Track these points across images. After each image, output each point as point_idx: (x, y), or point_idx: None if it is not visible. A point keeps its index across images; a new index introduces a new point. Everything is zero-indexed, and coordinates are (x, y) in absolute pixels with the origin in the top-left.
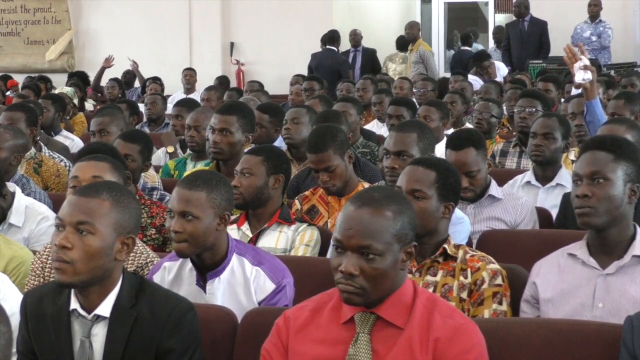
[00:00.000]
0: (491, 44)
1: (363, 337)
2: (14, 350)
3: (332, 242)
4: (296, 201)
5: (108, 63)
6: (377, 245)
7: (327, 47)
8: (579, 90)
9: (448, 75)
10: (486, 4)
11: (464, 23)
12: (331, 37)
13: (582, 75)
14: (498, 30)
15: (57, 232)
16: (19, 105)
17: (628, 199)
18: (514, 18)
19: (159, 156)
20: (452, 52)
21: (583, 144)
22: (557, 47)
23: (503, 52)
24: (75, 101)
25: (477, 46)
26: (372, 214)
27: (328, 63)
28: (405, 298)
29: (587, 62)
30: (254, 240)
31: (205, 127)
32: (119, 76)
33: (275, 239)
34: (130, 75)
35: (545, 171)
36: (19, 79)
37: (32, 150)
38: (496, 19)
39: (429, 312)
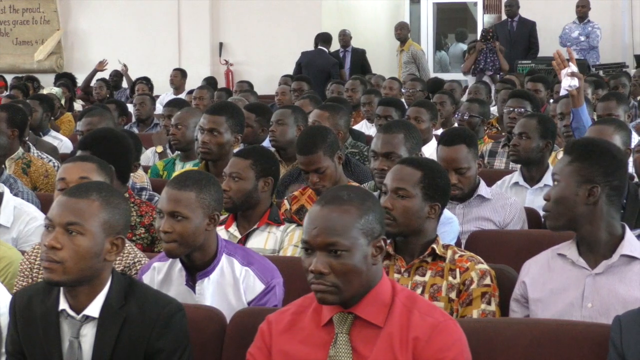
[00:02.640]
0: None
1: (342, 337)
2: (2, 350)
3: (300, 244)
4: (285, 201)
5: (102, 67)
6: (343, 241)
7: (319, 47)
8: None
9: (438, 75)
10: (475, 4)
11: (452, 24)
12: (325, 39)
13: (568, 82)
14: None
15: (47, 232)
16: (2, 105)
17: (586, 199)
18: (502, 19)
19: (148, 156)
20: (442, 52)
21: (566, 146)
22: (546, 47)
23: None
24: (63, 102)
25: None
26: (335, 211)
27: (318, 62)
28: (383, 296)
29: (575, 69)
30: (243, 241)
31: (189, 125)
32: (107, 77)
33: (264, 240)
34: (118, 77)
35: (532, 172)
36: (8, 79)
37: (20, 150)
38: (485, 19)
39: (408, 311)
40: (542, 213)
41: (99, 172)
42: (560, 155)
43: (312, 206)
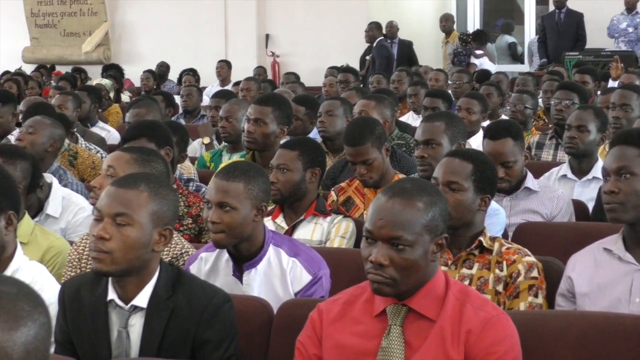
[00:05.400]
0: (532, 35)
1: (395, 329)
2: (52, 339)
3: (363, 233)
4: (332, 192)
5: None
6: (408, 236)
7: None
8: (616, 83)
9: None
10: None
11: (499, 15)
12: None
13: None
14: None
15: (95, 222)
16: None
17: None
18: (550, 10)
19: (195, 147)
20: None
21: (612, 138)
22: (594, 39)
23: (539, 44)
24: (112, 94)
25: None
26: (403, 205)
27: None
28: (437, 290)
29: None
30: (290, 232)
31: (238, 117)
32: (153, 68)
33: (310, 231)
34: (164, 68)
35: (581, 164)
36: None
37: (66, 142)
38: (532, 10)
39: (460, 304)
40: (606, 206)
41: (146, 163)
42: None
43: (379, 196)
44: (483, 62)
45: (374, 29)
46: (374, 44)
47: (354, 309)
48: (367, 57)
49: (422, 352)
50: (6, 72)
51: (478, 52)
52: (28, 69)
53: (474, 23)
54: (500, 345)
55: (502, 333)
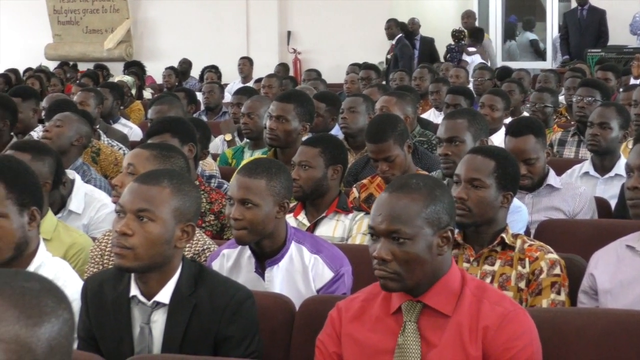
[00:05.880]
0: (555, 32)
1: (410, 325)
2: (75, 335)
3: (368, 230)
4: (354, 189)
5: None
6: (406, 229)
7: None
8: (638, 81)
9: (506, 64)
10: None
11: (521, 11)
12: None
13: None
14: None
15: (118, 218)
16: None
17: None
18: (572, 6)
19: (217, 144)
20: (512, 41)
21: (637, 135)
22: (616, 35)
23: (561, 41)
24: (134, 91)
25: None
26: (401, 199)
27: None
28: (452, 286)
29: None
30: (311, 229)
31: (260, 114)
32: (175, 65)
33: (332, 228)
34: (186, 65)
35: (604, 161)
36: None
37: None
38: (554, 7)
39: (477, 300)
40: (629, 202)
41: (166, 159)
42: (631, 144)
43: (381, 193)
44: (475, 60)
45: (392, 26)
46: (394, 42)
47: (372, 307)
48: (388, 56)
49: (440, 348)
50: (29, 69)
51: (471, 49)
52: (50, 66)
53: (495, 20)
54: (518, 340)
55: (520, 328)
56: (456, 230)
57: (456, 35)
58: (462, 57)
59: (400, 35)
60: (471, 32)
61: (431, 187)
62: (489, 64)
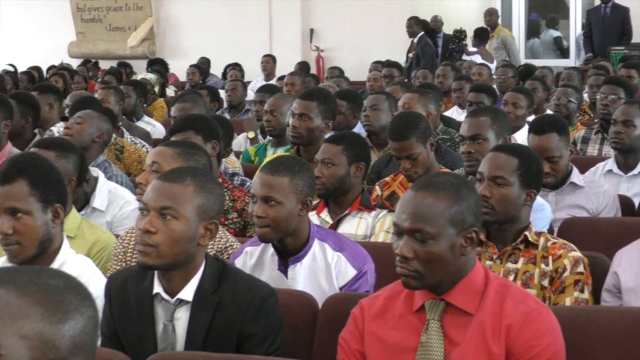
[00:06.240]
0: (578, 29)
1: (433, 323)
2: (99, 332)
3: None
4: (377, 187)
5: None
6: (429, 228)
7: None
8: None
9: (529, 61)
10: None
11: (544, 9)
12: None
13: None
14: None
15: (142, 216)
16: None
17: None
18: (595, 4)
19: (240, 142)
20: (535, 39)
21: None
22: None
23: (584, 38)
24: (157, 88)
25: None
26: (426, 198)
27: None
28: (475, 284)
29: None
30: (334, 227)
31: (283, 112)
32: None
33: (355, 226)
34: (206, 64)
35: (627, 159)
36: (102, 65)
37: (113, 135)
38: (578, 4)
39: (501, 298)
40: None
41: (190, 156)
42: None
43: (407, 190)
44: (474, 60)
45: (413, 24)
46: (416, 40)
47: (395, 305)
48: (410, 54)
49: (463, 347)
50: (52, 67)
51: (471, 49)
52: (74, 64)
53: (518, 17)
54: (542, 339)
55: (543, 327)
56: None
57: (457, 35)
58: (461, 57)
59: (422, 33)
60: (476, 32)
61: (457, 187)
62: (493, 65)
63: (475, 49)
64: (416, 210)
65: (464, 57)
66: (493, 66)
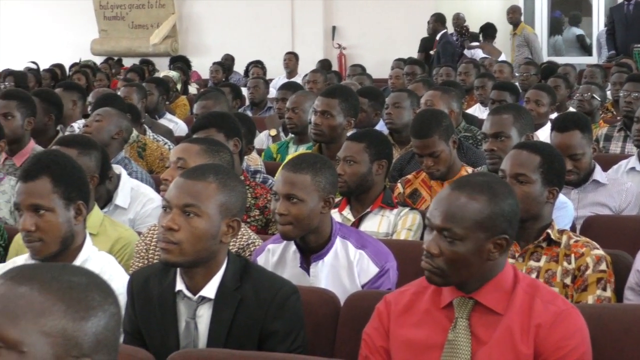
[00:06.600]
0: (601, 27)
1: (462, 322)
2: (121, 329)
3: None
4: (399, 185)
5: None
6: (457, 229)
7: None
8: None
9: (551, 59)
10: None
11: (567, 6)
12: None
13: None
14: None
15: (164, 213)
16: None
17: None
18: (618, 2)
19: (262, 139)
20: (558, 36)
21: None
22: None
23: (607, 36)
24: (179, 86)
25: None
26: (460, 198)
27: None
28: (504, 284)
29: None
30: (356, 224)
31: (305, 109)
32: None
33: (377, 223)
34: (229, 61)
35: None
36: (125, 62)
37: (135, 133)
38: (600, 2)
39: (530, 298)
40: None
41: (214, 153)
42: None
43: (444, 186)
44: (476, 54)
45: (434, 21)
46: (438, 38)
47: (422, 301)
48: (431, 52)
49: (490, 346)
50: (74, 64)
51: (473, 43)
52: (97, 61)
53: (541, 15)
54: (571, 339)
55: (573, 327)
56: None
57: (458, 31)
58: (462, 52)
59: (445, 31)
60: (482, 29)
61: (494, 191)
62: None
63: (476, 43)
64: (448, 209)
65: (465, 51)
66: (502, 57)
